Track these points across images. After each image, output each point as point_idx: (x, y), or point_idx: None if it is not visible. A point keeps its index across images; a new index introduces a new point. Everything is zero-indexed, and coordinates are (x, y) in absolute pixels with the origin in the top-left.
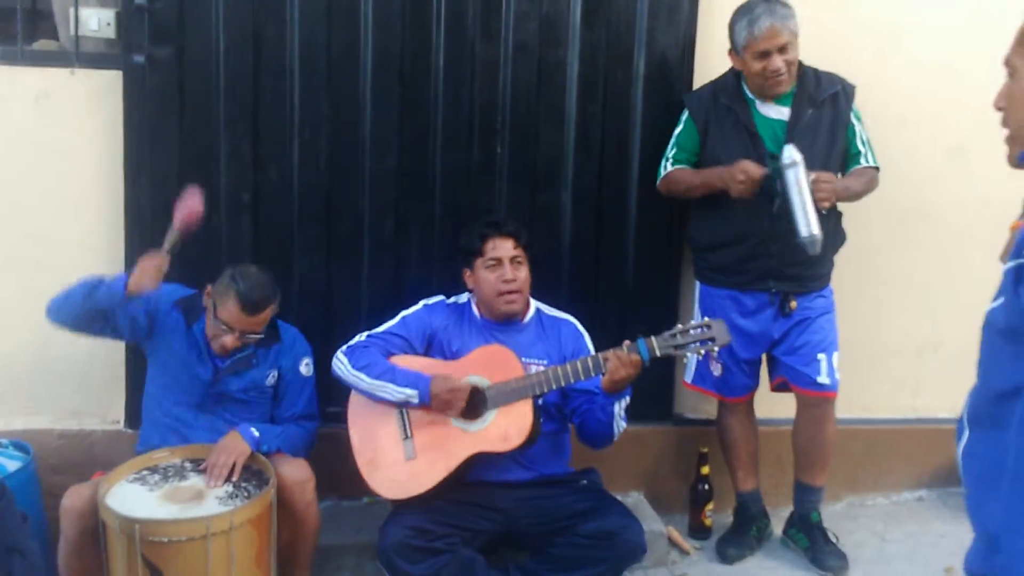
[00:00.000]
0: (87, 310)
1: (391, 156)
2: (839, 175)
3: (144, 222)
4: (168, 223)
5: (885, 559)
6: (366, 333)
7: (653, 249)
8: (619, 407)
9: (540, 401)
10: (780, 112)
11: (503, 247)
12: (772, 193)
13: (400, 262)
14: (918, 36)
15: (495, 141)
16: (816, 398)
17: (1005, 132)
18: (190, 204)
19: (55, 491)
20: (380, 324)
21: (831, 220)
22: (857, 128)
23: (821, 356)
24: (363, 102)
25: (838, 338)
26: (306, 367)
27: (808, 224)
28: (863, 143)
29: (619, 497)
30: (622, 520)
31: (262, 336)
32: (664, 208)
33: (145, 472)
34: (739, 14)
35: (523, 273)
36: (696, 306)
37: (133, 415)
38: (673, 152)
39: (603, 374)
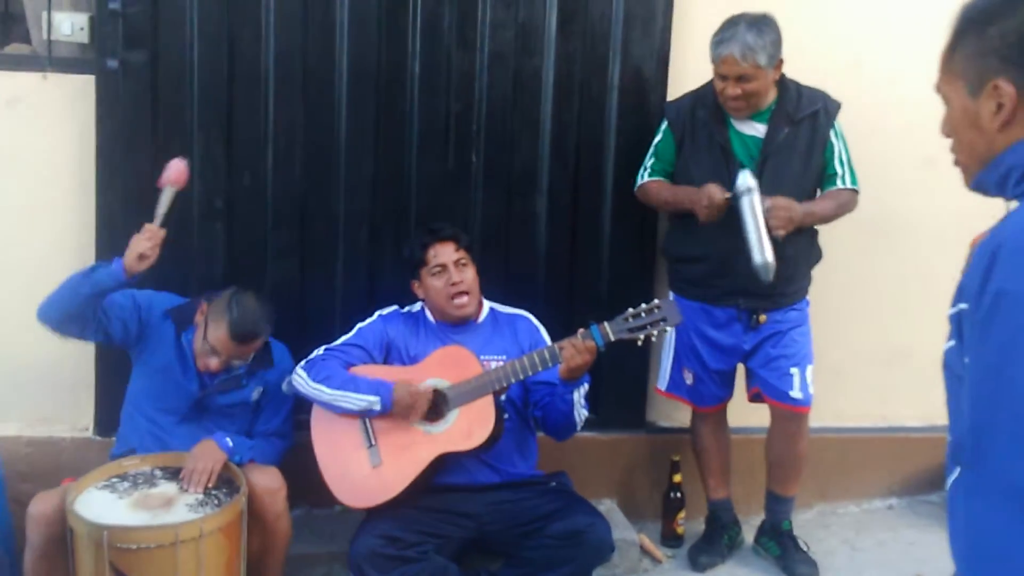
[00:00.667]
0: (85, 297)
1: (366, 163)
2: (818, 192)
3: (116, 227)
4: (146, 219)
5: (856, 567)
6: (324, 347)
7: (628, 257)
8: (578, 395)
9: (503, 397)
10: (756, 129)
11: (444, 252)
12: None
13: (374, 269)
14: (891, 49)
15: (471, 149)
16: (789, 411)
17: (954, 158)
18: (176, 165)
19: (22, 498)
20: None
21: (805, 237)
22: (836, 148)
23: (794, 370)
24: (338, 109)
25: (812, 351)
26: (287, 386)
27: (762, 251)
28: (841, 164)
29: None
30: (588, 518)
31: (248, 363)
32: (639, 216)
33: (115, 479)
34: (720, 27)
35: (469, 274)
36: None
37: (103, 422)
38: (651, 162)
39: (560, 363)
